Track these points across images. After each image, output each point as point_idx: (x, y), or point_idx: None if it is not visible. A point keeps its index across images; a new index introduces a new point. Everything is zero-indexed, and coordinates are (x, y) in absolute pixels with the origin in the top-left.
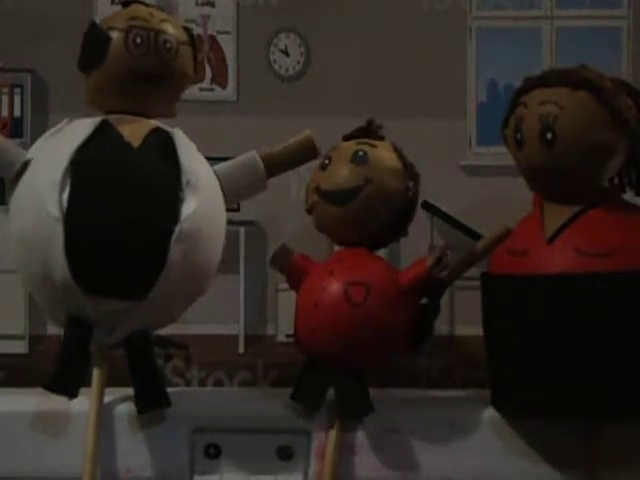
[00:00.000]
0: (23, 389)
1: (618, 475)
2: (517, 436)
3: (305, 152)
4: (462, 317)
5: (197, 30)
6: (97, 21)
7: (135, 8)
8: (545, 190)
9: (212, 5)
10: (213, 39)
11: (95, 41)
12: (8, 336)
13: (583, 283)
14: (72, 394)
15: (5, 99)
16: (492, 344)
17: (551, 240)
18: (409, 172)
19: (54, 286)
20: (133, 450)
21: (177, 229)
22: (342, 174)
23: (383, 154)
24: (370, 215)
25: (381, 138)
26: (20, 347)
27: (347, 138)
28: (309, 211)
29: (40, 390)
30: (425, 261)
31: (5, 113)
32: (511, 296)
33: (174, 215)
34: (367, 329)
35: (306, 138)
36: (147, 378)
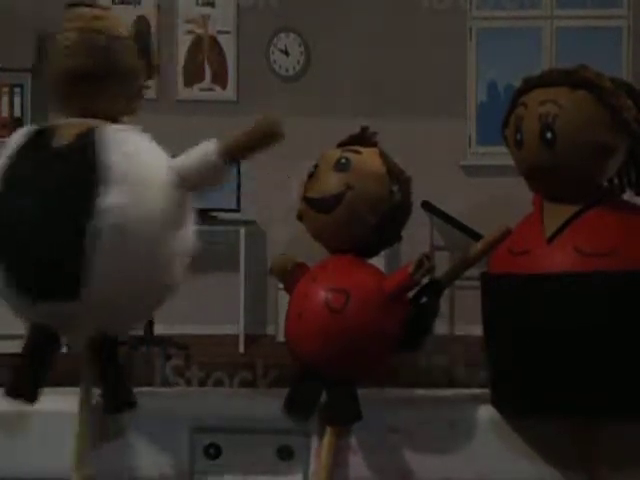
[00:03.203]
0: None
1: (618, 475)
2: (517, 436)
3: (269, 136)
4: (462, 317)
5: (197, 30)
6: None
7: (75, 10)
8: (545, 190)
9: (212, 5)
10: (213, 39)
11: (38, 47)
12: (7, 336)
13: (583, 283)
14: (31, 400)
15: (5, 99)
16: (492, 344)
17: (551, 240)
18: (394, 177)
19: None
20: (133, 450)
21: (92, 224)
22: (325, 182)
23: (366, 160)
24: (354, 221)
25: (373, 145)
26: (19, 347)
27: (340, 145)
28: (300, 219)
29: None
30: (408, 267)
31: (5, 113)
32: (511, 296)
33: (87, 211)
34: (348, 336)
35: (269, 122)
36: (112, 381)
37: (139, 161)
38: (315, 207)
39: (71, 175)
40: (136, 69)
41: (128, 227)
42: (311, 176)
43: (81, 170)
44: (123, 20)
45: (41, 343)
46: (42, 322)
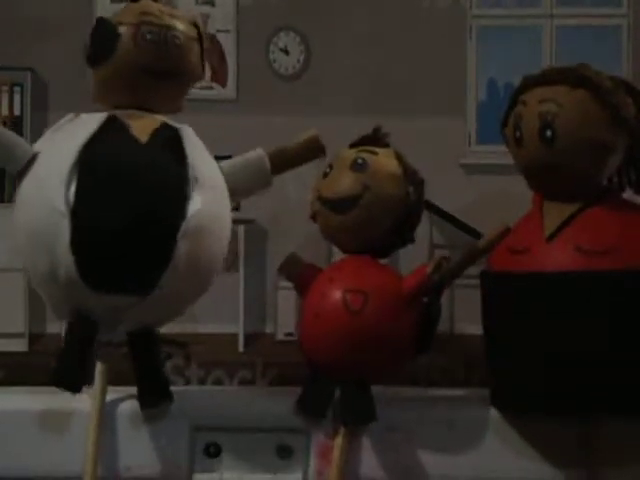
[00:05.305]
0: (25, 387)
1: (617, 474)
2: (517, 435)
3: (311, 151)
4: (462, 315)
5: None
6: (105, 17)
7: (145, 4)
8: (544, 188)
9: (212, 4)
10: (213, 38)
11: (103, 36)
12: (8, 334)
13: (583, 281)
14: (76, 389)
15: (5, 97)
16: (492, 342)
17: (551, 238)
18: (410, 178)
19: (59, 281)
20: (133, 449)
21: (183, 226)
22: (342, 182)
23: (383, 161)
24: (371, 222)
25: (386, 145)
26: (20, 345)
27: (353, 145)
28: (313, 219)
29: (42, 389)
30: (425, 268)
31: (5, 112)
32: (511, 294)
33: (181, 212)
34: (366, 336)
35: (312, 137)
36: (150, 374)
37: (212, 164)
38: (331, 208)
39: (167, 173)
40: (197, 70)
41: (207, 231)
42: (325, 176)
43: (176, 169)
44: (189, 20)
45: (86, 332)
46: (93, 312)
